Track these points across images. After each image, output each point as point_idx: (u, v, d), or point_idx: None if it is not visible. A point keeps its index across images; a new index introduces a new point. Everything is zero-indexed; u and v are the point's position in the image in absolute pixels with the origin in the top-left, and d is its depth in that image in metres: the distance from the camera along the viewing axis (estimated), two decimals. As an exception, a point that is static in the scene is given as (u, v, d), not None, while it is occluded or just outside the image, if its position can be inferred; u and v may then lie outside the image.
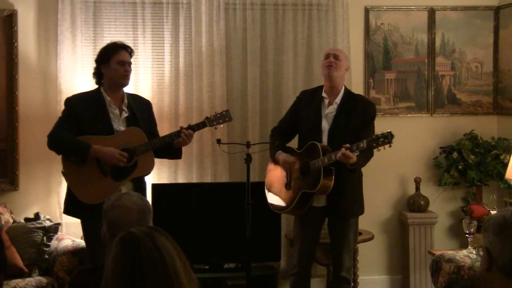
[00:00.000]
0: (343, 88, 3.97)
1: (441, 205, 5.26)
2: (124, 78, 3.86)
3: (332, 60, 3.90)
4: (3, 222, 4.32)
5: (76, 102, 3.87)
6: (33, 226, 4.37)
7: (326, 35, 5.04)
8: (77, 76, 4.79)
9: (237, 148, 4.36)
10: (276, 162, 4.04)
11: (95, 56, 3.99)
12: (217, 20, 4.92)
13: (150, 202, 2.80)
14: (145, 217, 2.35)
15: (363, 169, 3.99)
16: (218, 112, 4.05)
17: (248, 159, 3.96)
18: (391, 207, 5.29)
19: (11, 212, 4.57)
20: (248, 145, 3.99)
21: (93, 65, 3.96)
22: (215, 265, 4.65)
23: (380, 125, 3.86)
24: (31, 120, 4.79)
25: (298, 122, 4.03)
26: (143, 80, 4.91)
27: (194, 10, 4.90)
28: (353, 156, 3.56)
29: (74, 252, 4.27)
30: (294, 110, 4.10)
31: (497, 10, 5.29)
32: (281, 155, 3.97)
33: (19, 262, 4.20)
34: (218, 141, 4.06)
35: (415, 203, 5.09)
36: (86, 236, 3.86)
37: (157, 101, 4.89)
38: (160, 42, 4.93)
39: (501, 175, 4.83)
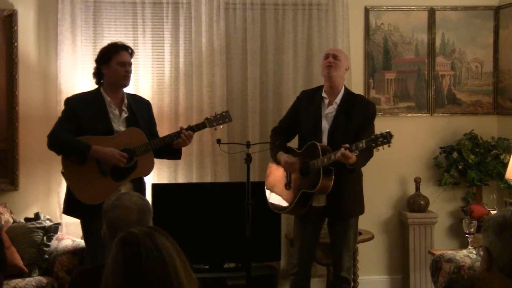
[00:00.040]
0: (343, 88, 3.97)
1: (441, 205, 5.26)
2: (125, 78, 3.87)
3: (332, 60, 3.90)
4: (3, 222, 4.32)
5: (76, 102, 3.87)
6: (33, 226, 4.37)
7: (326, 35, 5.04)
8: (77, 76, 4.80)
9: (237, 148, 4.36)
10: (277, 162, 4.04)
11: (95, 56, 3.99)
12: (217, 20, 4.92)
13: (150, 202, 2.80)
14: (145, 217, 2.35)
15: (363, 169, 3.99)
16: (218, 113, 4.05)
17: (248, 159, 3.96)
18: (391, 207, 5.29)
19: (11, 212, 4.58)
20: (248, 145, 3.99)
21: (93, 65, 3.96)
22: (215, 265, 4.65)
23: (380, 125, 3.86)
24: (31, 120, 4.79)
25: (298, 122, 4.02)
26: (143, 80, 4.91)
27: (194, 10, 4.90)
28: (352, 156, 3.56)
29: (74, 252, 4.27)
30: (294, 110, 4.10)
31: (497, 10, 5.29)
32: (283, 156, 3.96)
33: (19, 262, 4.20)
34: (218, 141, 4.06)
35: (415, 203, 5.09)
36: (86, 236, 3.86)
37: (157, 101, 4.89)
38: (160, 42, 4.93)
39: (501, 175, 4.83)
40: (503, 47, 5.23)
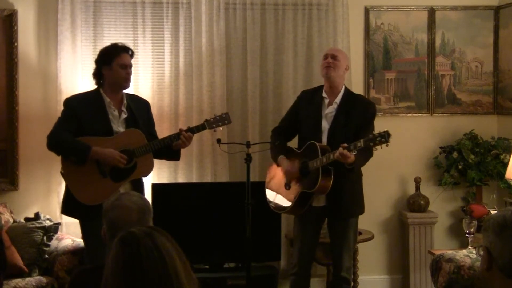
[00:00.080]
0: (343, 88, 3.97)
1: (441, 205, 5.26)
2: (126, 81, 3.87)
3: (330, 60, 3.90)
4: (3, 222, 4.32)
5: (76, 102, 3.87)
6: (33, 226, 4.37)
7: (326, 35, 5.04)
8: (77, 76, 4.80)
9: (237, 148, 4.36)
10: (277, 164, 4.03)
11: (96, 56, 3.99)
12: (217, 20, 4.92)
13: (150, 202, 2.80)
14: (145, 217, 2.35)
15: (363, 169, 3.99)
16: (218, 114, 4.05)
17: (248, 159, 3.96)
18: (391, 207, 5.29)
19: (11, 212, 4.58)
20: (248, 145, 3.99)
21: (93, 65, 3.96)
22: (215, 265, 4.65)
23: (380, 125, 3.86)
24: (31, 120, 4.79)
25: (298, 122, 4.02)
26: (143, 80, 4.91)
27: (194, 10, 4.90)
28: (351, 156, 3.56)
29: (74, 252, 4.27)
30: (294, 110, 4.11)
31: (497, 10, 5.29)
32: (284, 162, 3.95)
33: (19, 262, 4.20)
34: (218, 141, 4.06)
35: (415, 203, 5.09)
36: (86, 236, 3.86)
37: (157, 101, 4.89)
38: (160, 42, 4.93)
39: (501, 174, 4.83)
40: (503, 47, 5.23)
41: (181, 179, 4.91)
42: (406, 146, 5.19)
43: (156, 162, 4.10)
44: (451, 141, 5.21)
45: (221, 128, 4.07)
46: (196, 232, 4.57)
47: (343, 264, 3.92)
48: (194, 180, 4.91)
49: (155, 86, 4.93)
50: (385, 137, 3.48)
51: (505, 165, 4.68)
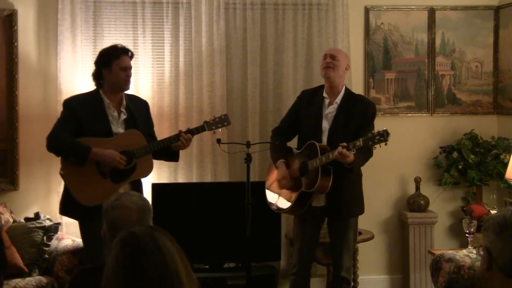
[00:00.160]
0: (344, 88, 3.97)
1: (441, 204, 5.26)
2: (126, 83, 3.88)
3: (329, 60, 3.90)
4: (3, 222, 4.32)
5: (76, 103, 3.87)
6: (33, 225, 4.37)
7: (326, 35, 5.04)
8: (77, 76, 4.79)
9: (237, 148, 4.37)
10: (276, 167, 4.03)
11: (95, 58, 3.99)
12: (217, 20, 4.92)
13: (150, 202, 2.80)
14: (145, 217, 2.35)
15: (363, 169, 3.99)
16: (217, 116, 4.06)
17: (248, 158, 3.97)
18: (391, 207, 5.29)
19: (11, 212, 4.58)
20: (248, 144, 4.00)
21: (93, 65, 3.96)
22: (215, 265, 4.65)
23: (380, 125, 3.85)
24: (31, 120, 4.79)
25: (298, 121, 4.02)
26: (143, 80, 4.91)
27: (194, 10, 4.90)
28: (350, 155, 3.56)
29: (74, 251, 4.27)
30: (294, 110, 4.10)
31: (497, 9, 5.29)
32: (280, 169, 3.94)
33: (19, 261, 4.20)
34: (218, 140, 4.06)
35: (415, 203, 5.09)
36: (85, 236, 3.86)
37: (157, 101, 4.89)
38: (160, 42, 4.93)
39: (501, 174, 4.83)
40: (503, 47, 5.23)
41: (181, 179, 4.91)
42: (406, 146, 5.19)
43: (156, 162, 4.10)
44: (451, 141, 5.21)
45: (220, 130, 4.07)
46: (196, 232, 4.57)
47: (343, 264, 3.92)
48: (194, 180, 4.91)
49: (155, 86, 4.93)
50: (384, 136, 3.48)
51: (505, 165, 4.68)
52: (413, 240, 5.05)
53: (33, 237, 4.33)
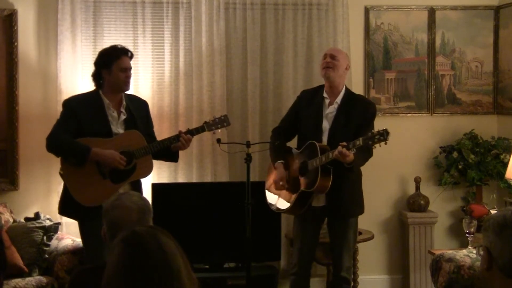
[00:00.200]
0: (344, 88, 3.96)
1: (441, 204, 5.26)
2: (126, 84, 3.88)
3: (329, 60, 3.90)
4: (3, 222, 4.32)
5: (76, 103, 3.87)
6: (33, 225, 4.37)
7: (326, 35, 5.04)
8: (77, 76, 4.79)
9: (237, 148, 4.37)
10: (274, 168, 4.03)
11: (95, 58, 3.98)
12: (217, 20, 4.92)
13: (150, 202, 2.80)
14: (145, 217, 2.35)
15: (363, 169, 3.99)
16: (217, 116, 4.06)
17: (248, 158, 3.97)
18: (391, 207, 5.29)
19: (11, 212, 4.58)
20: (248, 144, 4.00)
21: (93, 65, 3.96)
22: (215, 265, 4.65)
23: (381, 125, 3.85)
24: (31, 120, 4.79)
25: (298, 121, 4.02)
26: (143, 80, 4.91)
27: (194, 10, 4.90)
28: (350, 154, 3.56)
29: (74, 251, 4.27)
30: (294, 109, 4.10)
31: (497, 9, 5.29)
32: (278, 170, 3.94)
33: (19, 261, 4.20)
34: (218, 140, 4.07)
35: (415, 203, 5.09)
36: (85, 236, 3.86)
37: (157, 101, 4.89)
38: (160, 41, 4.93)
39: (501, 174, 4.83)
40: (503, 47, 5.23)
41: (181, 179, 4.91)
42: (406, 146, 5.19)
43: (156, 162, 4.10)
44: (451, 141, 5.21)
45: (220, 131, 4.07)
46: (196, 232, 4.57)
47: (343, 264, 3.92)
48: (194, 180, 4.91)
49: (155, 86, 4.93)
50: (383, 135, 3.48)
51: (505, 165, 4.68)
52: (413, 240, 5.05)
53: (33, 237, 4.33)
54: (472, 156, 4.99)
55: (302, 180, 3.85)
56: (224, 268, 4.67)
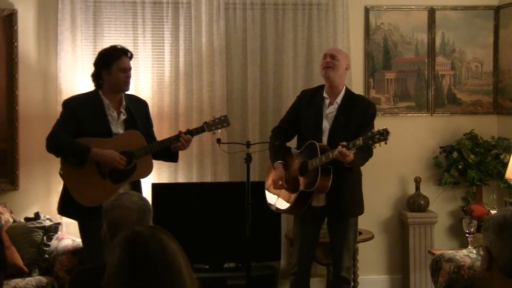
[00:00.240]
0: (344, 88, 3.96)
1: (441, 204, 5.26)
2: (125, 84, 3.88)
3: (329, 60, 3.90)
4: (3, 222, 4.32)
5: (76, 103, 3.87)
6: (33, 225, 4.37)
7: (326, 35, 5.04)
8: (77, 76, 4.80)
9: (237, 148, 4.37)
10: (273, 168, 4.02)
11: (94, 59, 3.98)
12: (217, 20, 4.92)
13: (150, 202, 2.80)
14: (145, 217, 2.35)
15: (363, 169, 3.99)
16: (217, 117, 4.06)
17: (248, 158, 3.97)
18: (391, 207, 5.29)
19: (11, 212, 4.58)
20: (248, 144, 4.00)
21: (93, 66, 3.96)
22: (215, 265, 4.65)
23: (381, 125, 3.84)
24: (31, 120, 4.79)
25: (298, 121, 4.02)
26: (143, 80, 4.91)
27: (194, 10, 4.90)
28: (350, 154, 3.56)
29: (74, 251, 4.27)
30: (294, 109, 4.10)
31: (497, 9, 5.29)
32: (277, 169, 3.94)
33: (19, 261, 4.20)
34: (218, 140, 4.06)
35: (415, 203, 5.09)
36: (85, 236, 3.86)
37: (157, 101, 4.89)
38: (160, 41, 4.93)
39: (501, 174, 4.83)
40: (503, 47, 5.23)
41: (181, 179, 4.91)
42: (406, 146, 5.19)
43: (156, 162, 4.10)
44: (451, 141, 5.21)
45: (219, 131, 4.07)
46: (196, 232, 4.57)
47: (343, 264, 3.92)
48: (194, 180, 4.91)
49: (155, 86, 4.93)
50: (383, 135, 3.49)
51: (505, 165, 4.68)
52: (413, 240, 5.05)
53: (33, 237, 4.33)
54: (472, 156, 4.99)
55: (302, 180, 3.85)
56: (224, 268, 4.67)
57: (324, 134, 3.88)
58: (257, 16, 4.98)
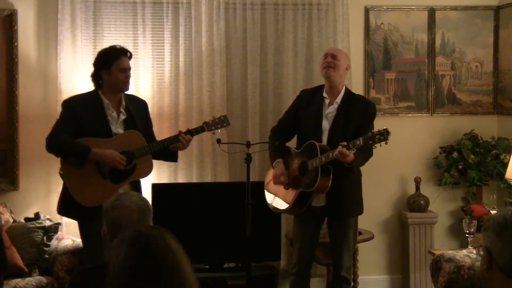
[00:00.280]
0: (344, 88, 3.96)
1: (441, 205, 5.26)
2: (125, 84, 3.88)
3: (330, 60, 3.90)
4: (3, 222, 4.32)
5: (75, 103, 3.87)
6: (33, 226, 4.37)
7: (326, 35, 5.04)
8: (77, 76, 4.80)
9: (237, 148, 4.37)
10: (273, 166, 4.02)
11: (94, 59, 3.98)
12: (217, 20, 4.92)
13: (150, 202, 2.80)
14: (145, 217, 2.35)
15: (363, 169, 3.99)
16: (216, 117, 4.06)
17: (248, 159, 3.97)
18: (391, 207, 5.29)
19: (11, 212, 4.58)
20: (248, 145, 4.00)
21: (92, 66, 3.96)
22: (215, 265, 4.65)
23: (381, 125, 3.84)
24: (31, 120, 4.79)
25: (297, 121, 4.02)
26: (143, 80, 4.91)
27: (194, 10, 4.90)
28: (350, 154, 3.56)
29: (74, 251, 4.27)
30: (293, 109, 4.10)
31: (497, 10, 5.29)
32: (277, 166, 3.94)
33: (19, 261, 4.20)
34: (218, 141, 4.06)
35: (415, 203, 5.09)
36: (85, 236, 3.86)
37: (157, 101, 4.89)
38: (160, 42, 4.93)
39: (501, 174, 4.83)
40: (503, 47, 5.23)
41: (181, 179, 4.91)
42: (406, 146, 5.19)
43: (156, 162, 4.10)
44: (451, 141, 5.21)
45: (219, 131, 4.07)
46: (196, 232, 4.57)
47: (343, 264, 3.92)
48: (194, 180, 4.91)
49: (155, 86, 4.93)
50: (384, 135, 3.48)
51: (505, 165, 4.68)
52: (413, 240, 5.05)
53: (33, 237, 4.33)
54: (472, 156, 4.99)
55: (302, 180, 3.85)
56: (224, 268, 4.68)
57: (323, 134, 3.88)
58: (257, 16, 4.98)
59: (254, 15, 4.98)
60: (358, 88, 4.94)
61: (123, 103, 3.90)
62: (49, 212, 4.66)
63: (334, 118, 3.88)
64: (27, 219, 4.47)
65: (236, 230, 4.28)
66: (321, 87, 4.02)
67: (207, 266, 4.66)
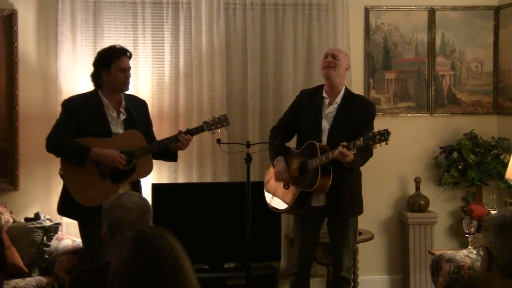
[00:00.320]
0: (344, 88, 3.96)
1: (441, 205, 5.26)
2: (125, 84, 3.88)
3: (330, 60, 3.90)
4: (3, 222, 4.32)
5: (75, 103, 3.87)
6: (33, 226, 4.37)
7: (326, 35, 5.04)
8: (77, 76, 4.80)
9: (237, 148, 4.37)
10: (273, 165, 4.02)
11: (94, 59, 3.98)
12: (217, 20, 4.92)
13: (150, 202, 2.80)
14: (145, 217, 2.35)
15: (363, 169, 3.99)
16: (216, 116, 4.06)
17: (248, 159, 3.97)
18: (391, 207, 5.29)
19: (11, 212, 4.58)
20: (248, 145, 4.00)
21: (92, 66, 3.96)
22: (215, 265, 4.65)
23: (380, 125, 3.85)
24: (31, 120, 4.79)
25: (297, 121, 4.02)
26: (143, 80, 4.91)
27: (194, 10, 4.90)
28: (350, 154, 3.56)
29: (74, 252, 4.27)
30: (293, 109, 4.10)
31: (497, 10, 5.29)
32: (279, 164, 3.94)
33: (19, 262, 4.20)
34: (218, 141, 4.06)
35: (415, 203, 5.09)
36: (85, 236, 3.86)
37: (157, 101, 4.89)
38: (160, 42, 4.93)
39: (501, 175, 4.83)
40: (503, 47, 5.23)
41: (181, 179, 4.91)
42: (406, 146, 5.19)
43: (156, 162, 4.10)
44: (451, 141, 5.21)
45: (219, 131, 4.07)
46: (196, 232, 4.57)
47: (343, 264, 3.92)
48: (194, 180, 4.91)
49: (155, 86, 4.93)
50: (384, 136, 3.48)
51: (505, 165, 4.68)
52: (413, 240, 5.05)
53: (33, 237, 4.33)
54: (472, 156, 4.99)
55: (302, 180, 3.85)
56: (224, 268, 4.68)
57: (323, 134, 3.88)
58: (257, 16, 4.98)
59: (254, 15, 4.98)
60: (358, 88, 4.94)
61: (123, 103, 3.90)
62: (49, 212, 4.66)
63: (334, 118, 3.88)
64: (27, 219, 4.47)
65: (236, 230, 4.28)
66: (321, 87, 4.02)
67: (207, 266, 4.66)
